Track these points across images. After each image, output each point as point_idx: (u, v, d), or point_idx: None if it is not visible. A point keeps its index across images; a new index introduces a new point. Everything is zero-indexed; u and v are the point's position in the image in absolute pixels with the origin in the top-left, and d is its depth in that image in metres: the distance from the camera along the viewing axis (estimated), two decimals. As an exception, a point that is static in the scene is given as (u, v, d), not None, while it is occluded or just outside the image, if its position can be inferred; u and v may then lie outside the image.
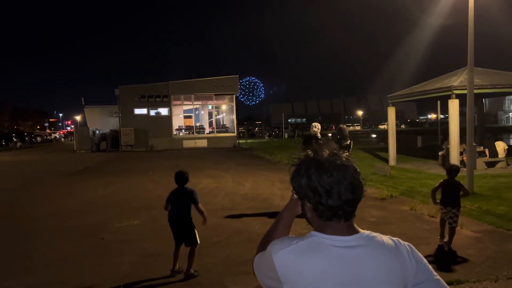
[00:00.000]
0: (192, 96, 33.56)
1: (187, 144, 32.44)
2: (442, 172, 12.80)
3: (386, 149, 17.38)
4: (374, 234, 1.25)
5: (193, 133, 34.30)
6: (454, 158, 12.17)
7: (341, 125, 8.40)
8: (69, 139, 62.23)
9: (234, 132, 34.51)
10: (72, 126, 71.70)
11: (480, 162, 13.27)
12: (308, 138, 8.02)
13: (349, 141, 8.18)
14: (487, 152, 13.65)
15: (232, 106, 35.29)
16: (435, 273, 1.26)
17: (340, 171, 1.20)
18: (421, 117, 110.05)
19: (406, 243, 1.28)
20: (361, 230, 1.25)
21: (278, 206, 8.67)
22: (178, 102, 34.19)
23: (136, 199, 10.16)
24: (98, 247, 6.12)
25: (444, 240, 5.64)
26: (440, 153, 15.12)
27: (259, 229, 6.85)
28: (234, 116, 35.34)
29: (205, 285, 4.61)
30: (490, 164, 13.40)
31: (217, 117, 38.78)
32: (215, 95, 33.76)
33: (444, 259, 5.17)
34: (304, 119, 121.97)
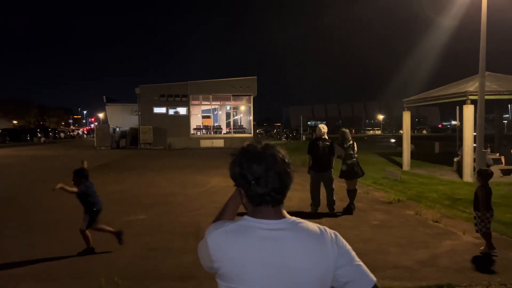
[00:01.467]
0: (210, 96, 33.91)
1: (204, 143, 32.79)
2: (456, 179, 12.66)
3: (402, 154, 17.20)
4: (301, 220, 1.36)
5: (210, 133, 34.64)
6: (467, 164, 12.00)
7: (343, 129, 8.41)
8: (91, 135, 63.64)
9: (251, 133, 34.68)
10: (96, 123, 73.27)
11: (496, 170, 13.02)
12: (315, 140, 8.07)
13: (352, 141, 8.19)
14: (503, 160, 13.41)
15: (250, 107, 35.47)
16: (358, 259, 1.35)
17: (269, 161, 1.32)
18: (444, 123, 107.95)
19: (332, 231, 1.38)
20: (289, 216, 1.36)
21: (283, 206, 8.75)
22: (197, 102, 34.60)
23: (148, 195, 10.40)
24: (103, 239, 6.33)
25: (487, 248, 5.46)
26: (455, 159, 14.91)
27: (261, 228, 6.95)
28: (251, 117, 35.52)
29: (200, 279, 4.74)
30: (506, 172, 13.14)
31: (235, 117, 39.02)
32: (233, 95, 34.03)
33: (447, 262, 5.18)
34: (324, 122, 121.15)
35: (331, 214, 7.85)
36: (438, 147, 24.06)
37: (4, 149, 33.57)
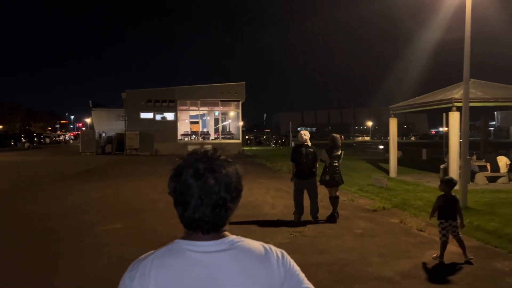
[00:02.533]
0: (198, 101, 33.66)
1: (192, 149, 32.44)
2: (441, 186, 12.58)
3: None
4: (242, 239, 1.17)
5: (198, 139, 34.36)
6: (454, 172, 11.93)
7: (333, 134, 8.25)
8: (77, 141, 62.91)
9: (239, 139, 34.48)
10: (84, 128, 72.49)
11: (481, 177, 13.02)
12: (298, 147, 7.90)
13: (341, 151, 8.05)
14: (488, 167, 13.40)
15: (238, 113, 35.29)
16: (307, 282, 1.19)
17: (205, 187, 1.10)
18: (434, 130, 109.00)
19: (278, 250, 1.20)
20: (229, 235, 1.17)
21: (266, 214, 8.56)
22: (184, 107, 34.32)
23: (128, 202, 10.11)
24: (75, 250, 6.07)
25: (465, 255, 5.42)
26: (441, 166, 14.87)
27: (241, 237, 6.73)
28: (240, 123, 35.33)
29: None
30: (492, 179, 13.13)
31: (223, 123, 38.83)
32: (221, 101, 33.83)
33: (429, 274, 5.01)
34: (314, 128, 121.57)
35: (315, 222, 7.67)
36: (425, 153, 24.12)
37: (-14, 154, 32.88)
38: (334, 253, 5.84)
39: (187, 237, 1.15)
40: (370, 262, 5.43)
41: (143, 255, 1.17)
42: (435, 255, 5.58)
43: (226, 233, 1.17)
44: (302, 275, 1.19)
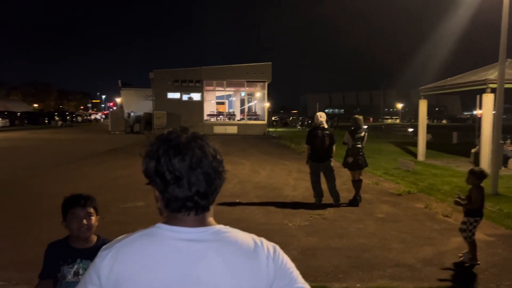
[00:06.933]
0: (224, 82, 33.56)
1: (218, 130, 32.59)
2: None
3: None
4: (230, 229, 1.08)
5: (224, 119, 34.42)
6: (485, 156, 11.46)
7: (355, 116, 8.01)
8: (108, 120, 64.38)
9: (264, 120, 34.33)
10: (114, 107, 74.08)
11: (515, 162, 12.44)
12: (314, 129, 7.69)
13: (364, 133, 7.80)
14: (523, 152, 12.78)
15: (264, 94, 35.02)
16: (302, 281, 1.09)
17: (195, 156, 1.04)
18: (465, 113, 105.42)
19: (270, 244, 1.10)
20: (215, 224, 1.08)
21: (287, 196, 8.46)
22: (211, 88, 34.33)
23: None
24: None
25: (461, 254, 4.82)
26: (472, 150, 14.31)
27: (260, 218, 6.68)
28: (265, 104, 35.09)
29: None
30: (527, 165, 12.53)
31: (249, 104, 38.67)
32: (247, 82, 33.59)
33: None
34: (342, 110, 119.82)
35: (336, 205, 7.52)
36: (456, 137, 23.31)
37: (21, 131, 34.12)
38: (354, 237, 5.70)
39: (169, 221, 1.06)
40: (390, 248, 5.26)
41: (122, 236, 1.10)
42: (461, 253, 4.87)
43: (212, 220, 1.09)
44: (296, 273, 1.09)
